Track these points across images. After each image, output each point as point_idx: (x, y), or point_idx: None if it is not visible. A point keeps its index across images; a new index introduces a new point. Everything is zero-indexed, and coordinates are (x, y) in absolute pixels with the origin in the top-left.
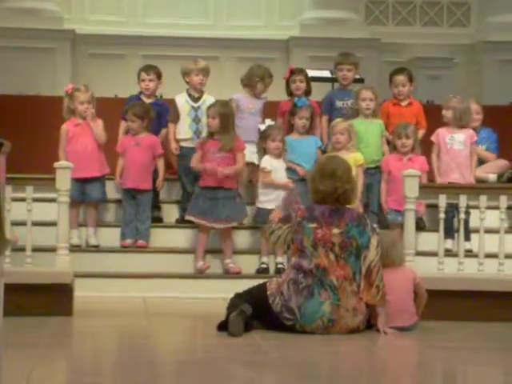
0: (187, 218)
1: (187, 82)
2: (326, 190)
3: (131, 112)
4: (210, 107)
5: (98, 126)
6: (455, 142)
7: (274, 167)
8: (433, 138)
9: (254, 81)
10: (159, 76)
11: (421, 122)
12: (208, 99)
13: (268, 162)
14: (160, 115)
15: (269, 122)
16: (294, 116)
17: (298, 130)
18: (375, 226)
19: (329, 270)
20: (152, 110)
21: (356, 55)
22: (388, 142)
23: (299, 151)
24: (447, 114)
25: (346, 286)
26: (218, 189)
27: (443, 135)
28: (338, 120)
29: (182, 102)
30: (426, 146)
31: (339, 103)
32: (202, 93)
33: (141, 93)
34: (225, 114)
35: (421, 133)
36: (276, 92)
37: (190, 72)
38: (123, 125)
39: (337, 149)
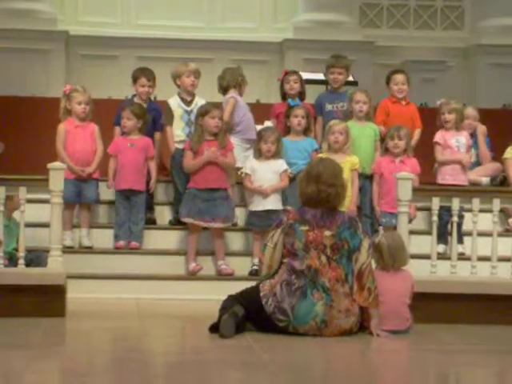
0: (185, 220)
1: (178, 86)
2: (310, 193)
3: (129, 109)
4: (213, 109)
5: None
6: (461, 144)
7: (256, 169)
8: (439, 140)
9: (239, 80)
10: (155, 81)
11: (416, 122)
12: (200, 102)
13: (249, 165)
14: (154, 119)
15: (268, 123)
16: (290, 117)
17: (294, 129)
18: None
19: (320, 272)
20: (148, 114)
21: (348, 58)
22: (382, 141)
23: (295, 153)
24: (450, 117)
25: (338, 288)
26: (213, 189)
27: (448, 138)
28: (336, 121)
29: (175, 105)
30: (422, 149)
31: (329, 106)
32: (193, 96)
33: (134, 96)
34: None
35: (417, 133)
36: (270, 94)
37: (181, 74)
38: (117, 131)
39: (334, 149)
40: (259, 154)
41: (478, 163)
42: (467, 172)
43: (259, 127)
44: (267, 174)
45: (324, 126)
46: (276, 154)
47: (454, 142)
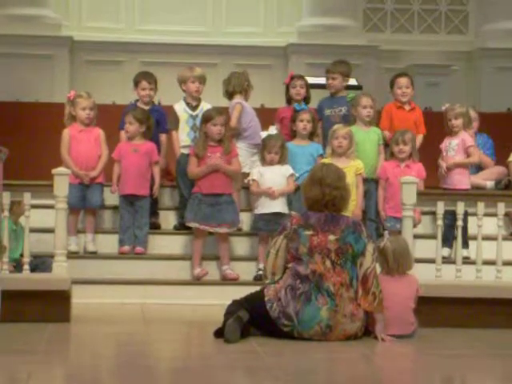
0: (191, 225)
1: (184, 90)
2: (315, 197)
3: (131, 114)
4: (216, 116)
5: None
6: (450, 148)
7: (263, 173)
8: (441, 145)
9: (245, 86)
10: (157, 84)
11: (419, 128)
12: (206, 106)
13: (255, 171)
14: (158, 121)
15: (273, 128)
16: (296, 121)
17: (299, 133)
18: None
19: (325, 276)
20: (152, 118)
21: (350, 63)
22: (386, 145)
23: (300, 157)
24: (457, 122)
25: (342, 292)
26: (218, 195)
27: (445, 142)
28: (339, 125)
29: (181, 110)
30: (427, 153)
31: (327, 111)
32: (199, 101)
33: (137, 101)
34: (227, 121)
35: (419, 138)
36: (274, 98)
37: (187, 79)
38: (123, 135)
39: (338, 154)
40: (264, 162)
41: (480, 167)
42: (455, 175)
43: (263, 133)
44: (275, 176)
45: (323, 131)
46: (281, 161)
47: (445, 146)
